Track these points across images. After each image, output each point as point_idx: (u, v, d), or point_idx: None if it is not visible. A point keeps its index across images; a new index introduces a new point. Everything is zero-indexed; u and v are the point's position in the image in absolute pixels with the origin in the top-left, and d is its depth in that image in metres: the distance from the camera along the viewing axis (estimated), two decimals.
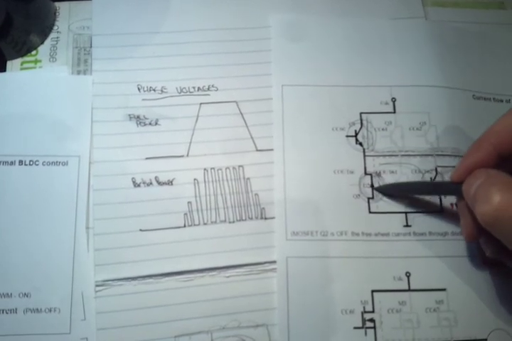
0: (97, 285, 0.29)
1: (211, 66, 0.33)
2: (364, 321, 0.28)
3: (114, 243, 0.29)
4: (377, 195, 0.31)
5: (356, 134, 0.32)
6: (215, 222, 0.30)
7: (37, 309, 0.28)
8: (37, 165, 0.31)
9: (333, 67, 0.33)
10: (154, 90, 0.32)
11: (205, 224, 0.30)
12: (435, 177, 0.31)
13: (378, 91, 0.33)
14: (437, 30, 0.34)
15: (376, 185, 0.31)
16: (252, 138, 0.32)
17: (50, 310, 0.28)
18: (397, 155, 0.31)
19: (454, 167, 0.31)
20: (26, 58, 0.33)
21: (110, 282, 0.29)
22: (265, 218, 0.30)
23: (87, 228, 0.30)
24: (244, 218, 0.30)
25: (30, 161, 0.31)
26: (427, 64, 0.33)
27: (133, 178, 0.30)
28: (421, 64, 0.33)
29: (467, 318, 0.28)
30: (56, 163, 0.31)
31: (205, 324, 0.28)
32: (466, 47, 0.34)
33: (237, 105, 0.32)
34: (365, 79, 0.33)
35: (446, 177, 0.31)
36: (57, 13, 0.34)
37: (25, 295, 0.29)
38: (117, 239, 0.29)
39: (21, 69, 0.33)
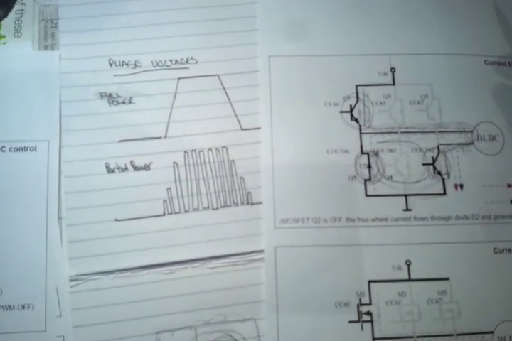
0: (71, 280, 0.27)
1: (189, 36, 0.30)
2: (360, 314, 0.26)
3: (88, 234, 0.27)
4: (375, 176, 0.28)
5: (351, 109, 0.29)
6: (197, 209, 0.28)
7: (9, 306, 0.27)
8: (3, 151, 0.28)
9: (325, 34, 0.30)
10: (127, 65, 0.29)
11: (186, 211, 0.28)
12: (437, 157, 0.28)
13: (376, 61, 0.29)
14: None
15: (373, 165, 0.28)
16: (236, 115, 0.29)
17: (23, 307, 0.27)
18: (396, 132, 0.29)
19: (458, 144, 0.28)
20: None
21: (85, 276, 0.27)
22: (252, 203, 0.28)
23: (60, 218, 0.28)
24: (228, 204, 0.28)
25: None
26: (430, 28, 0.30)
27: (106, 163, 0.28)
28: (423, 28, 0.30)
29: (472, 309, 0.26)
30: (24, 149, 0.28)
31: (189, 319, 0.26)
32: (474, 6, 0.30)
33: (219, 79, 0.29)
34: (362, 47, 0.30)
35: (449, 157, 0.28)
36: None
37: None
38: (91, 230, 0.27)
39: None
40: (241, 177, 0.28)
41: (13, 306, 0.27)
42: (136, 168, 0.28)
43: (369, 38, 0.30)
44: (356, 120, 0.29)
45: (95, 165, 0.28)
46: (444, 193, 0.28)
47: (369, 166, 0.28)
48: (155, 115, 0.29)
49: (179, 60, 0.30)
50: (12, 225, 0.27)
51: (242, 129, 0.29)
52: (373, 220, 0.27)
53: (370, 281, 0.27)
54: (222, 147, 0.28)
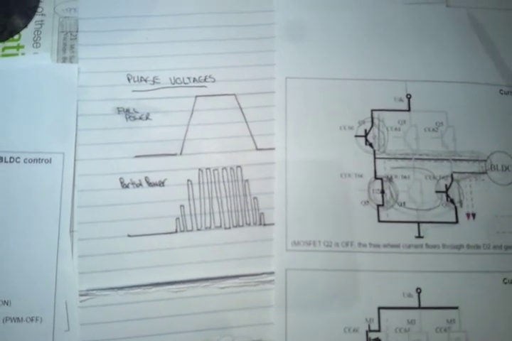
0: (81, 295, 0.27)
1: (208, 54, 0.30)
2: None
3: (100, 249, 0.27)
4: (388, 201, 0.28)
5: (366, 134, 0.29)
6: (210, 228, 0.28)
7: (17, 318, 0.27)
8: (18, 162, 0.28)
9: (343, 58, 0.30)
10: (146, 80, 0.29)
11: (198, 229, 0.28)
12: (450, 185, 0.28)
13: (392, 86, 0.30)
14: (459, 17, 0.31)
15: (387, 191, 0.28)
16: (251, 135, 0.29)
17: (31, 320, 0.27)
18: (410, 159, 0.29)
19: (471, 173, 0.28)
20: (8, 43, 0.31)
21: (95, 291, 0.27)
22: (264, 224, 0.28)
23: (72, 231, 0.28)
24: (241, 224, 0.28)
25: (10, 158, 0.28)
26: (448, 55, 0.30)
27: (121, 178, 0.28)
28: (440, 56, 0.30)
29: (480, 339, 0.26)
30: (39, 161, 0.28)
31: (196, 338, 0.26)
32: (492, 36, 0.30)
33: (236, 98, 0.29)
34: (378, 72, 0.30)
35: (462, 185, 0.28)
36: None
37: (6, 302, 0.27)
38: (103, 245, 0.27)
39: (2, 55, 0.30)
40: (254, 198, 0.28)
41: (22, 318, 0.27)
42: (150, 184, 0.28)
43: (386, 63, 0.30)
44: (371, 145, 0.29)
45: (109, 179, 0.28)
46: (457, 222, 0.28)
47: (382, 191, 0.28)
48: (171, 132, 0.29)
49: (197, 78, 0.30)
50: (23, 236, 0.27)
51: (257, 149, 0.29)
52: (385, 246, 0.27)
53: (379, 308, 0.27)
54: (237, 166, 0.29)
